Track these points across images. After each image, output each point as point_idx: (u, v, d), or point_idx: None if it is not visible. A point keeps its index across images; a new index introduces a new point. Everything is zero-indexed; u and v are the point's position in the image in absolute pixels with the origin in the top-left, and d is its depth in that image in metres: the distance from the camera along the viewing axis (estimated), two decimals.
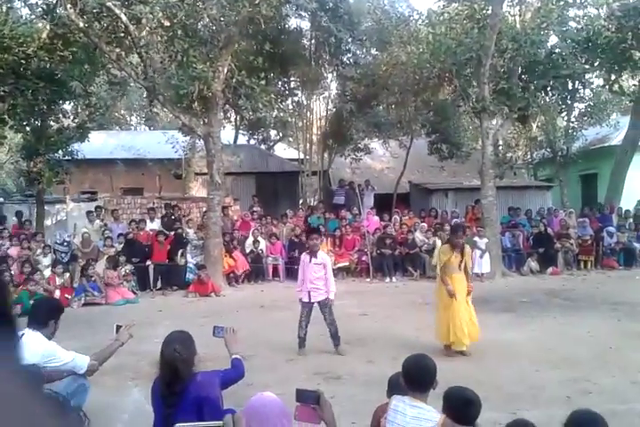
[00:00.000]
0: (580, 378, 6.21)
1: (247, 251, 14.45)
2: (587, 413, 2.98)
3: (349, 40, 19.15)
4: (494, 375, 6.31)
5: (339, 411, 2.98)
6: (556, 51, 16.31)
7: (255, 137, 24.57)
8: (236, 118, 23.01)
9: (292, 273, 14.55)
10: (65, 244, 13.49)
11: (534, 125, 22.11)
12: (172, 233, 14.05)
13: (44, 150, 15.67)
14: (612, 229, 16.16)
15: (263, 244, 14.57)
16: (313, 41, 19.63)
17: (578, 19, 18.03)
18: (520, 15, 17.65)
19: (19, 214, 15.89)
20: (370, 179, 19.83)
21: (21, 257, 12.46)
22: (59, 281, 11.69)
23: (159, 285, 13.34)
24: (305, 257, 7.66)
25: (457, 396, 3.33)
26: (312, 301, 7.49)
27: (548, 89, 16.92)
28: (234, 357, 4.05)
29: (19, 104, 14.21)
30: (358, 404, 5.34)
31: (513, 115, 16.16)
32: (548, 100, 18.97)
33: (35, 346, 4.03)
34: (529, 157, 23.80)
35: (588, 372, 6.40)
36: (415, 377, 3.27)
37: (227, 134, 19.15)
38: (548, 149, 22.10)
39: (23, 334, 4.10)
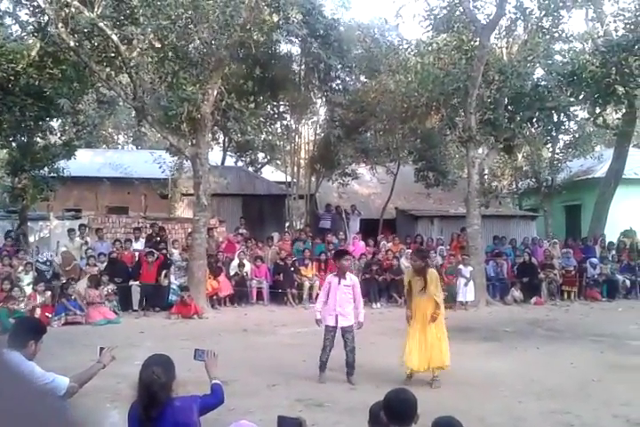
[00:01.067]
0: (562, 410, 6.17)
1: (232, 273, 14.34)
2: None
3: (339, 67, 19.35)
4: (477, 406, 6.26)
5: None
6: (542, 83, 16.60)
7: (243, 159, 24.58)
8: (224, 140, 23.04)
9: (276, 297, 14.48)
10: (47, 262, 13.30)
11: (520, 156, 22.41)
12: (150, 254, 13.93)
13: (29, 167, 15.58)
14: (595, 260, 16.28)
15: (248, 266, 14.48)
16: (303, 66, 19.81)
17: (563, 52, 18.43)
18: (507, 47, 17.99)
19: (8, 233, 15.60)
20: (356, 204, 19.88)
21: (2, 274, 12.26)
22: (40, 299, 11.49)
23: (142, 305, 13.17)
24: (333, 279, 7.39)
25: (440, 425, 3.32)
26: (338, 325, 7.24)
27: (534, 120, 17.16)
28: (213, 382, 3.99)
29: (5, 120, 14.17)
30: None
31: (499, 145, 16.37)
32: (533, 131, 19.26)
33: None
34: (514, 186, 24.06)
35: (571, 404, 6.37)
36: (396, 412, 3.26)
37: (214, 156, 19.17)
38: (533, 180, 22.34)
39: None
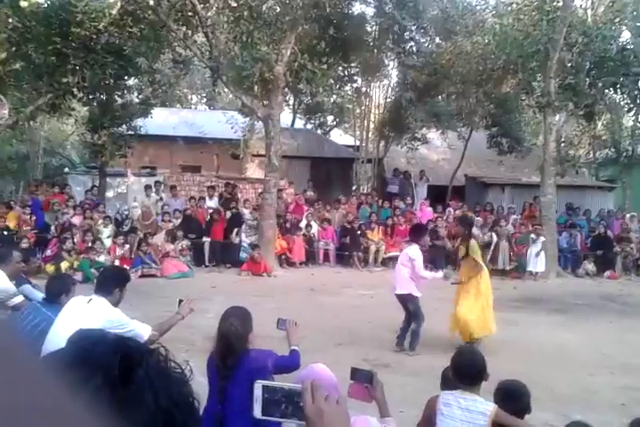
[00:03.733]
0: (637, 386, 6.04)
1: (297, 234, 14.54)
2: None
3: (413, 28, 18.89)
4: (546, 376, 6.19)
5: (387, 398, 2.99)
6: (629, 47, 15.74)
7: (312, 122, 24.59)
8: (294, 102, 23.06)
9: (342, 259, 14.61)
10: (123, 215, 13.88)
11: (599, 124, 21.47)
12: (227, 212, 14.27)
13: (108, 124, 16.09)
14: None
15: (316, 228, 14.64)
16: (376, 28, 19.43)
17: None
18: (592, 9, 17.08)
19: (92, 188, 16.34)
20: (425, 170, 19.60)
21: (83, 226, 12.87)
22: (118, 252, 12.06)
23: (214, 261, 13.61)
24: None
25: (507, 389, 3.38)
26: None
27: (617, 86, 16.34)
28: (292, 348, 4.07)
29: (87, 78, 14.58)
30: (407, 393, 5.34)
31: (578, 111, 15.75)
32: (616, 97, 18.36)
33: (101, 311, 4.16)
34: (592, 156, 23.12)
35: None
36: (464, 372, 3.30)
37: (284, 118, 19.21)
38: (613, 149, 21.42)
39: (91, 299, 4.23)
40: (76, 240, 12.08)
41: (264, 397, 1.75)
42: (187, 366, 0.95)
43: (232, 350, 3.53)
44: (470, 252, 7.21)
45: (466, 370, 3.31)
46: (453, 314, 7.29)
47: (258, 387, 1.75)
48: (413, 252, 7.16)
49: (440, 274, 7.58)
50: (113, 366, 0.83)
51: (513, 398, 3.31)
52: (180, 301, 4.81)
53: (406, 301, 7.14)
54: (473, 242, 7.40)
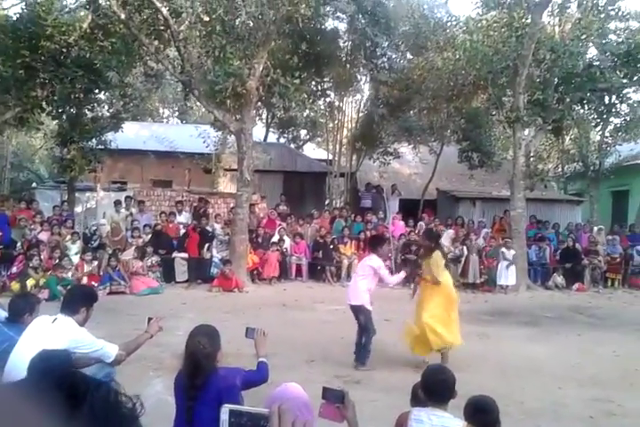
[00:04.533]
0: (604, 399, 6.09)
1: (272, 249, 14.48)
2: None
3: (385, 44, 19.13)
4: (516, 390, 6.23)
5: (357, 415, 2.98)
6: (595, 63, 16.11)
7: (285, 136, 24.64)
8: (267, 116, 23.10)
9: (314, 274, 14.58)
10: (94, 232, 13.67)
11: (567, 138, 21.89)
12: (197, 227, 14.19)
13: (78, 138, 15.92)
14: None
15: (288, 242, 14.60)
16: (349, 43, 19.63)
17: (618, 32, 17.82)
18: (560, 25, 17.47)
19: (62, 204, 16.04)
20: (397, 184, 19.74)
21: (51, 242, 12.65)
22: (87, 268, 11.85)
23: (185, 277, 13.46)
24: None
25: (476, 404, 3.37)
26: None
27: (584, 102, 16.72)
28: (260, 360, 4.04)
29: (57, 91, 14.43)
30: (378, 409, 5.31)
31: (547, 126, 16.00)
32: (583, 112, 18.76)
33: (66, 331, 4.07)
34: (560, 170, 23.53)
35: (613, 393, 6.28)
36: (434, 390, 3.31)
37: (257, 132, 19.22)
38: (580, 163, 21.82)
39: (56, 319, 4.14)
40: (43, 257, 11.86)
41: (230, 421, 1.73)
42: (137, 400, 0.92)
43: (200, 370, 3.48)
44: (431, 262, 7.23)
45: (436, 388, 3.32)
46: (413, 327, 7.19)
47: (225, 411, 1.73)
48: (374, 261, 7.11)
49: (402, 274, 7.62)
50: (56, 401, 0.81)
51: (482, 414, 3.32)
52: (149, 319, 4.75)
53: (358, 312, 7.08)
54: (436, 253, 7.39)
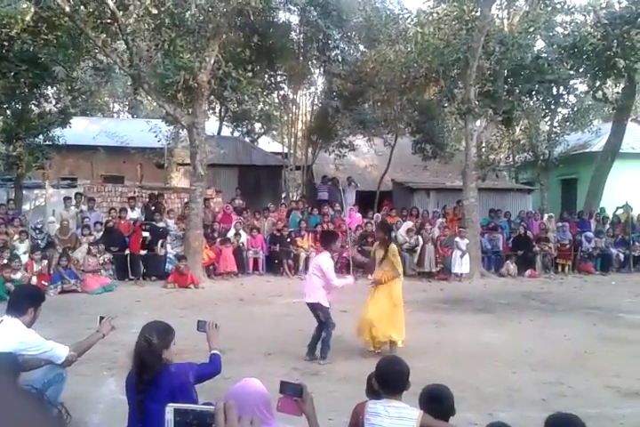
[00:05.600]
0: (556, 381, 6.27)
1: (226, 244, 14.36)
2: (565, 416, 3.02)
3: (338, 36, 19.10)
4: (471, 376, 6.34)
5: (316, 407, 2.98)
6: (543, 55, 16.46)
7: (239, 129, 24.44)
8: (220, 110, 22.86)
9: (272, 267, 14.55)
10: (38, 230, 13.26)
11: (518, 129, 22.34)
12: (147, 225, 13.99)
13: (24, 134, 15.47)
14: (590, 234, 16.38)
15: (244, 237, 14.51)
16: (301, 36, 19.54)
17: (565, 24, 18.24)
18: (508, 19, 17.79)
19: (8, 202, 15.48)
20: (353, 176, 19.82)
21: None
22: (36, 268, 11.52)
23: (138, 274, 13.22)
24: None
25: (430, 392, 3.43)
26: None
27: (533, 93, 17.06)
28: (212, 352, 4.03)
29: (0, 86, 13.97)
30: (336, 400, 5.35)
31: (497, 117, 16.28)
32: (532, 104, 19.16)
33: (13, 333, 3.96)
34: (511, 159, 24.02)
35: (564, 375, 6.46)
36: (389, 381, 3.32)
37: (211, 126, 19.01)
38: (531, 153, 22.31)
39: (1, 321, 4.02)
40: None
41: (175, 420, 1.70)
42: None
43: (146, 366, 3.46)
44: (390, 255, 7.28)
45: (391, 379, 3.32)
46: (364, 318, 7.23)
47: (169, 411, 1.70)
48: (324, 261, 7.05)
49: (350, 280, 7.51)
50: None
51: (437, 402, 3.36)
52: (101, 318, 4.66)
53: (316, 309, 7.06)
54: (393, 246, 7.47)
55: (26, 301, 4.20)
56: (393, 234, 14.98)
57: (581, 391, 5.97)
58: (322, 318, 7.04)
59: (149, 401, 3.37)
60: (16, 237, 12.65)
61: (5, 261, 11.15)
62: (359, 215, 16.63)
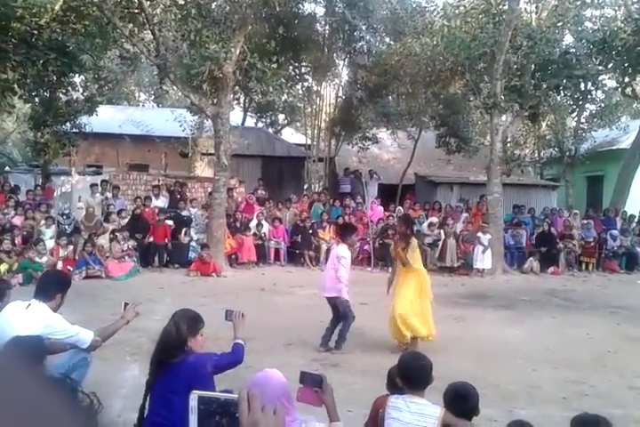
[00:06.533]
0: (577, 380, 6.22)
1: (247, 234, 14.44)
2: (594, 417, 2.99)
3: (363, 28, 19.02)
4: (491, 373, 6.32)
5: (335, 398, 2.99)
6: (571, 50, 16.21)
7: (263, 120, 24.47)
8: (244, 100, 22.90)
9: (293, 258, 14.60)
10: (65, 216, 13.49)
11: (544, 124, 22.02)
12: (172, 213, 14.11)
13: (51, 122, 15.66)
14: (615, 232, 16.14)
15: (266, 227, 14.57)
16: (327, 27, 19.48)
17: (594, 19, 17.96)
18: (536, 13, 17.54)
19: (36, 187, 15.74)
20: (376, 169, 19.75)
21: (25, 227, 12.46)
22: (62, 253, 11.70)
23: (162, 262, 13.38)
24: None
25: (456, 390, 3.40)
26: None
27: (560, 88, 16.82)
28: (236, 341, 4.04)
29: (29, 74, 14.14)
30: (355, 392, 5.37)
31: (523, 112, 16.11)
32: (559, 99, 18.92)
33: (40, 317, 4.03)
34: (536, 155, 23.71)
35: (586, 374, 6.40)
36: (412, 377, 3.33)
37: (235, 116, 19.04)
38: (556, 149, 22.00)
39: (30, 305, 4.09)
40: (16, 241, 11.69)
41: (199, 408, 1.72)
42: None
43: (166, 348, 3.52)
44: (409, 249, 7.27)
45: (414, 375, 3.33)
46: (392, 315, 7.17)
47: (193, 398, 1.72)
48: (342, 251, 7.09)
49: (346, 291, 7.36)
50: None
51: (462, 400, 3.34)
52: (126, 304, 4.71)
53: (336, 303, 7.07)
54: (414, 240, 7.44)
55: (54, 286, 4.27)
56: (415, 228, 15.01)
57: (603, 391, 5.91)
58: (341, 310, 7.05)
59: (167, 392, 3.40)
60: (42, 222, 12.85)
61: (31, 246, 11.35)
62: (381, 208, 16.59)
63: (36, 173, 17.53)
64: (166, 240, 13.45)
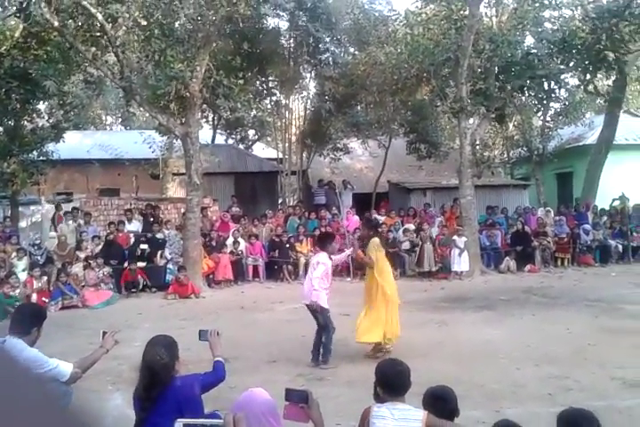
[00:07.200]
0: (561, 375, 6.28)
1: (227, 251, 14.35)
2: (579, 411, 3.02)
3: (328, 40, 19.19)
4: (475, 374, 6.35)
5: (323, 412, 2.98)
6: (532, 51, 16.46)
7: (233, 137, 24.45)
8: (213, 118, 22.88)
9: (272, 274, 14.54)
10: (37, 247, 13.20)
11: (511, 125, 22.35)
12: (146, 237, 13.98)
13: (17, 151, 15.38)
14: (587, 226, 16.40)
15: (243, 244, 14.49)
16: (291, 40, 19.60)
17: (553, 20, 18.28)
18: (497, 16, 17.85)
19: (4, 220, 15.47)
20: (349, 178, 19.85)
21: None
22: (36, 284, 11.44)
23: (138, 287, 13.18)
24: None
25: (434, 393, 3.42)
26: None
27: (525, 89, 17.08)
28: (216, 359, 4.04)
29: None
30: (342, 405, 5.35)
31: (490, 114, 16.30)
32: (524, 99, 19.20)
33: (17, 353, 3.95)
34: (506, 156, 24.03)
35: (568, 369, 6.48)
36: (391, 384, 3.32)
37: (204, 134, 19.03)
38: (525, 148, 22.32)
39: (4, 341, 4.01)
40: None
41: None
42: None
43: (157, 381, 3.45)
44: (369, 248, 7.32)
45: (393, 382, 3.32)
46: (361, 320, 7.28)
47: (178, 426, 1.71)
48: (322, 258, 7.14)
49: (348, 251, 7.83)
50: None
51: (442, 400, 3.36)
52: (104, 333, 4.65)
53: (316, 311, 7.06)
54: (375, 239, 7.49)
55: (29, 320, 4.18)
56: (392, 235, 15.06)
57: (587, 385, 5.98)
58: (321, 320, 7.04)
59: (156, 416, 3.36)
60: (14, 254, 12.59)
61: (3, 279, 11.11)
62: (357, 218, 16.62)
63: (5, 205, 17.20)
64: (141, 264, 13.24)
